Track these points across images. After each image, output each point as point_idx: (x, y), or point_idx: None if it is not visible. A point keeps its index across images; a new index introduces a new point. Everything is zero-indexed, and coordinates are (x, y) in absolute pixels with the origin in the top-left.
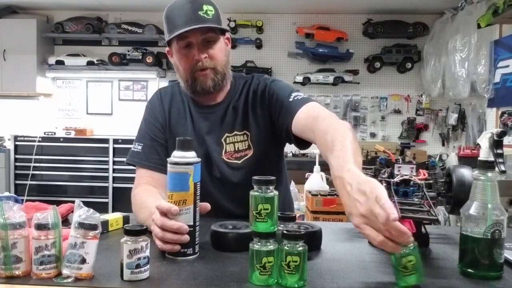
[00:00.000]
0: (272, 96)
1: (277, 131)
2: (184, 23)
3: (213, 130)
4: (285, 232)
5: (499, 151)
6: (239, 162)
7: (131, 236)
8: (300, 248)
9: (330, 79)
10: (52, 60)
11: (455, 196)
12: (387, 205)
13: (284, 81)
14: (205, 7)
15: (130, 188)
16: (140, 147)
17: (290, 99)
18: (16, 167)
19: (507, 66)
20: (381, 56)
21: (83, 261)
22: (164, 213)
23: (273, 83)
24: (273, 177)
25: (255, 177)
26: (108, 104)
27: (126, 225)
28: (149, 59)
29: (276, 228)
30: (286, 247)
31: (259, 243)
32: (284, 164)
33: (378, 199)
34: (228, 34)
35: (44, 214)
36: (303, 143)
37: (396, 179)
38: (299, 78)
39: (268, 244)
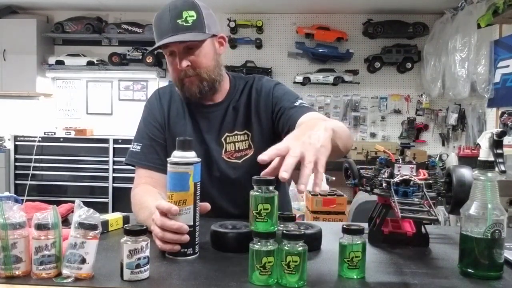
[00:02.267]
0: (277, 98)
1: (277, 132)
2: (164, 33)
3: (213, 129)
4: (285, 232)
5: (499, 151)
6: (240, 161)
7: (131, 236)
8: (300, 248)
9: (330, 79)
10: (52, 60)
11: (455, 196)
12: (320, 170)
13: (284, 81)
14: (184, 14)
15: (130, 188)
16: (139, 147)
17: (296, 104)
18: (16, 167)
19: (507, 66)
20: (381, 56)
21: (83, 261)
22: (164, 213)
23: (277, 86)
24: (272, 177)
25: (255, 177)
26: (108, 104)
27: (126, 225)
28: (149, 59)
29: (276, 228)
30: (286, 247)
31: (259, 243)
32: None
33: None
34: (221, 34)
35: (44, 214)
36: None
37: (396, 179)
38: (299, 78)
39: (268, 244)
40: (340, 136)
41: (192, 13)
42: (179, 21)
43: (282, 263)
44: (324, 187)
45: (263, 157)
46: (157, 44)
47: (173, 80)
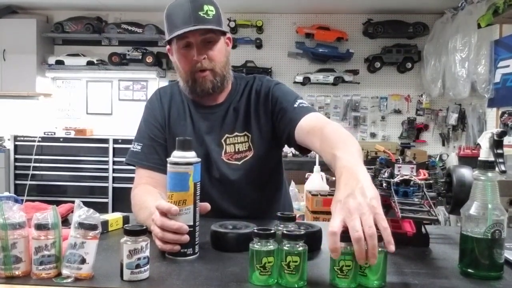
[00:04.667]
0: (276, 99)
1: (278, 134)
2: (184, 23)
3: (213, 130)
4: (285, 232)
5: (499, 151)
6: (239, 163)
7: (131, 236)
8: (300, 248)
9: (330, 79)
10: (52, 60)
11: (455, 196)
12: (384, 225)
13: (284, 81)
14: (205, 7)
15: (130, 188)
16: (139, 147)
17: (295, 105)
18: (16, 167)
19: (507, 66)
20: (381, 56)
21: (83, 261)
22: (164, 213)
23: (277, 86)
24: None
25: (255, 230)
26: (108, 104)
27: (126, 225)
28: (149, 59)
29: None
30: (286, 247)
31: (259, 243)
32: (283, 167)
33: (378, 213)
34: (228, 34)
35: (44, 214)
36: (304, 149)
37: (396, 179)
38: (299, 78)
39: (268, 244)
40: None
41: (212, 8)
42: (201, 13)
43: (282, 263)
44: (324, 187)
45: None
46: (180, 31)
47: (183, 74)
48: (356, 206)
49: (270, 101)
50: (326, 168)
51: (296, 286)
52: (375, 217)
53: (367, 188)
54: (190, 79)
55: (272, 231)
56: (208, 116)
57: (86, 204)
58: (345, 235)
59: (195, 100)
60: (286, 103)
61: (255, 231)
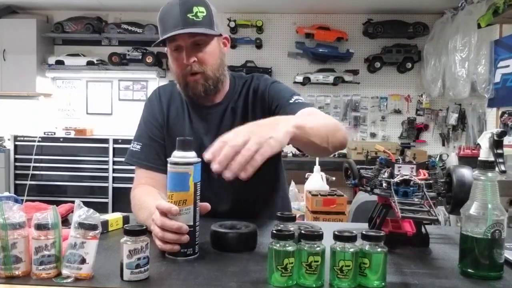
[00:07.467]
0: (272, 97)
1: None
2: (173, 26)
3: (211, 131)
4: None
5: (499, 151)
6: None
7: (131, 236)
8: (318, 248)
9: (330, 79)
10: (52, 60)
11: (455, 196)
12: (249, 154)
13: (284, 81)
14: (195, 9)
15: (130, 188)
16: (138, 147)
17: (291, 101)
18: (16, 167)
19: (507, 66)
20: (381, 56)
21: (83, 261)
22: (164, 213)
23: (273, 84)
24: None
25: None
26: (108, 104)
27: (126, 225)
28: (149, 59)
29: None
30: (305, 248)
31: (278, 244)
32: (282, 168)
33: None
34: (225, 35)
35: (44, 214)
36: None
37: (396, 179)
38: (299, 78)
39: (288, 245)
40: (317, 133)
41: (202, 9)
42: (190, 15)
43: (302, 263)
44: (324, 187)
45: (207, 155)
46: (166, 35)
47: (176, 77)
48: (252, 130)
49: (267, 99)
50: (326, 168)
51: (314, 286)
52: (257, 149)
53: (275, 128)
54: (182, 82)
55: (291, 232)
56: (206, 116)
57: (86, 204)
58: (342, 235)
59: (193, 101)
60: (282, 99)
61: (274, 232)
